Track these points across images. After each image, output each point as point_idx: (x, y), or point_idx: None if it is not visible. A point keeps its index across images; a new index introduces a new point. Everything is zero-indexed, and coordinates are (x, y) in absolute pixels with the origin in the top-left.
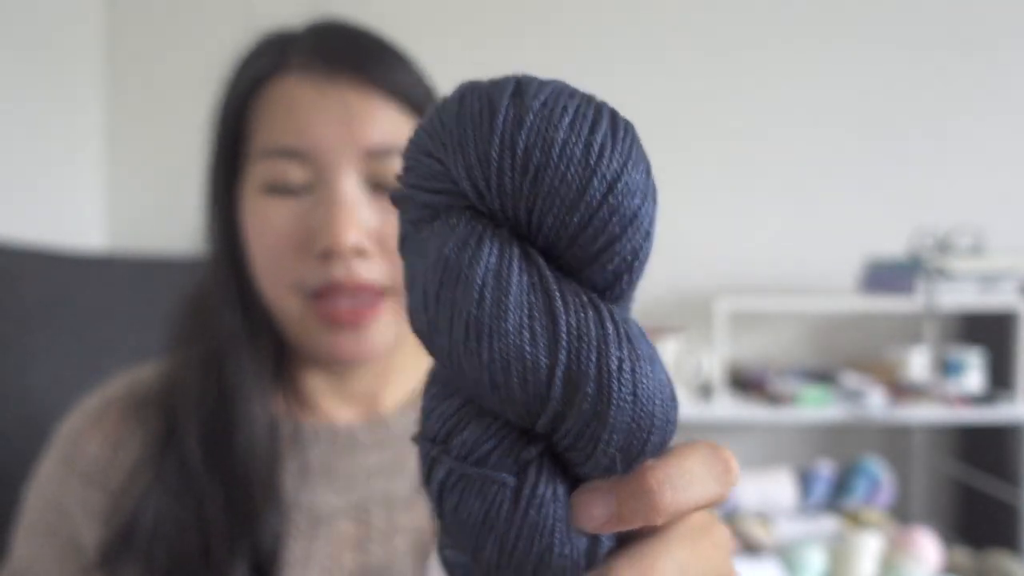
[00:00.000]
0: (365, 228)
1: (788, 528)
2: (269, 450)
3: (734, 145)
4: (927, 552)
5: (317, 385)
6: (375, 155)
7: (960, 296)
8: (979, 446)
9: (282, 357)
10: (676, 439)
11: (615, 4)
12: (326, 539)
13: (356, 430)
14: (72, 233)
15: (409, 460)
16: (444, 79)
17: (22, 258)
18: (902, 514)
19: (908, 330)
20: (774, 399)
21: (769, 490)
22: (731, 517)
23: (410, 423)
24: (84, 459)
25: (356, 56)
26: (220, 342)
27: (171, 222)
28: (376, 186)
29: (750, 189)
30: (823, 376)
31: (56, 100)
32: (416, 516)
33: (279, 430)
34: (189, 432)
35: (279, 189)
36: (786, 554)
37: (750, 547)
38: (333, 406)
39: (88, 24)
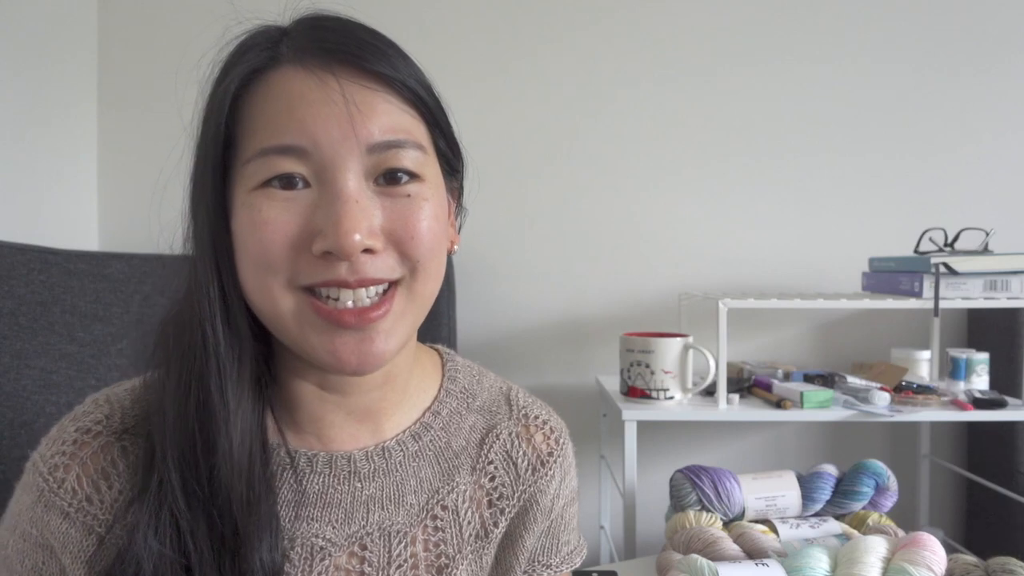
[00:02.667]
0: (370, 225)
1: (792, 530)
2: (255, 477)
3: (741, 147)
4: (933, 555)
5: (313, 402)
6: (377, 148)
7: (967, 297)
8: (986, 448)
9: (270, 376)
10: (687, 439)
11: (625, 13)
12: (322, 574)
13: (356, 458)
14: (66, 238)
15: (408, 491)
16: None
17: (14, 256)
18: (908, 517)
19: (914, 331)
20: (779, 400)
21: (773, 492)
22: (734, 520)
23: (411, 452)
24: (63, 495)
25: (354, 46)
26: (201, 361)
27: (163, 229)
28: (378, 179)
29: (756, 191)
30: (828, 377)
31: (50, 103)
32: (412, 548)
33: (270, 457)
34: (168, 462)
35: (277, 186)
36: (790, 557)
37: (753, 550)
38: (332, 427)
39: (81, 35)
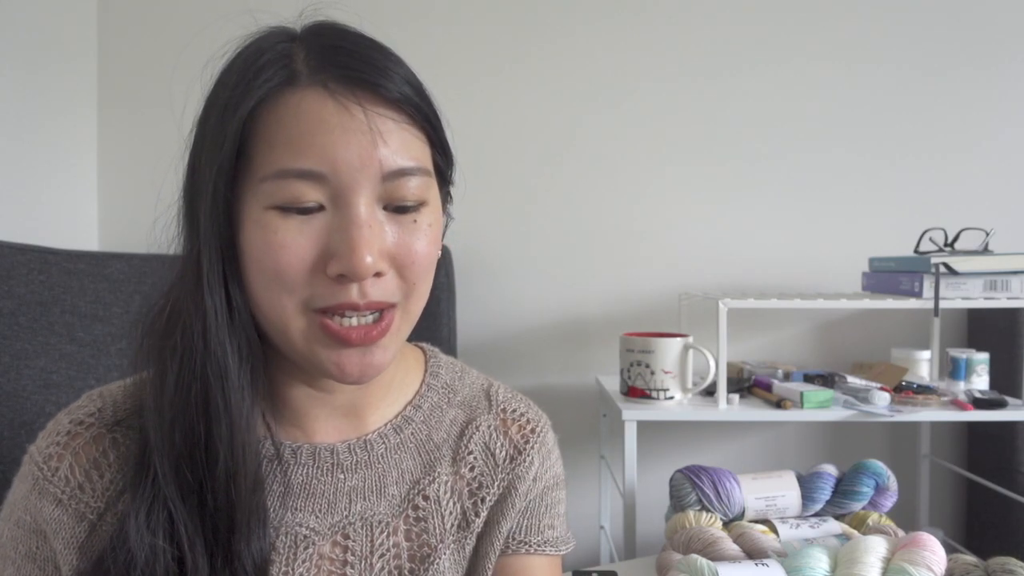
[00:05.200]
0: (380, 249)
1: (792, 531)
2: (248, 471)
3: (741, 147)
4: (933, 555)
5: (300, 399)
6: (391, 176)
7: (967, 297)
8: (986, 448)
9: (265, 373)
10: (687, 439)
11: (627, 14)
12: (306, 561)
13: (338, 450)
14: (66, 238)
15: (390, 482)
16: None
17: (14, 256)
18: (908, 517)
19: (914, 331)
20: (779, 400)
21: (773, 492)
22: (734, 520)
23: (393, 445)
24: (56, 481)
25: (374, 72)
26: (203, 364)
27: (163, 229)
28: (387, 206)
29: (756, 191)
30: (828, 377)
31: (50, 103)
32: (395, 538)
33: (260, 451)
34: (163, 455)
35: (291, 209)
36: (790, 557)
37: (753, 550)
38: (316, 420)
39: (81, 35)
